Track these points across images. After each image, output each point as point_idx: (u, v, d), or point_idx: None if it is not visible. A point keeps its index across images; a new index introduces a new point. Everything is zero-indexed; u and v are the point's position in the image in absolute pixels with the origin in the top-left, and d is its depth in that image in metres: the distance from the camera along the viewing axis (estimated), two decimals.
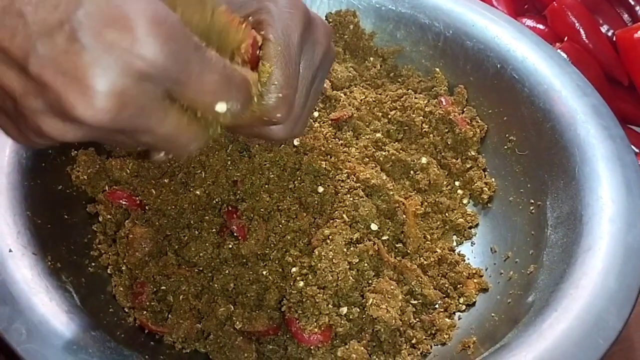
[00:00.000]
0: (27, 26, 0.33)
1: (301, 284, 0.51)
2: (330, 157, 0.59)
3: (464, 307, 0.56)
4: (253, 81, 0.42)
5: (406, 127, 0.66)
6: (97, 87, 0.33)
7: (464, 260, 0.60)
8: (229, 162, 0.58)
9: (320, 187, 0.56)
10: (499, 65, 0.66)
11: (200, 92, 0.37)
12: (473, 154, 0.65)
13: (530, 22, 0.86)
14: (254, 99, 0.43)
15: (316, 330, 0.50)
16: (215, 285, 0.53)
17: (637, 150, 0.75)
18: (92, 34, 0.33)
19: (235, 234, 0.55)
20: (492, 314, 0.54)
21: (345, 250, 0.53)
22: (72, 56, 0.33)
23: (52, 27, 0.33)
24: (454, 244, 0.62)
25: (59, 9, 0.33)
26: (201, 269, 0.54)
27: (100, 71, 0.33)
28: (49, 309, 0.45)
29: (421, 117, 0.65)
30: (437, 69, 0.70)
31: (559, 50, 0.76)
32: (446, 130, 0.65)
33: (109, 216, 0.57)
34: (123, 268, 0.55)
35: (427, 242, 0.59)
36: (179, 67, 0.35)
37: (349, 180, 0.58)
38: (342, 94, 0.67)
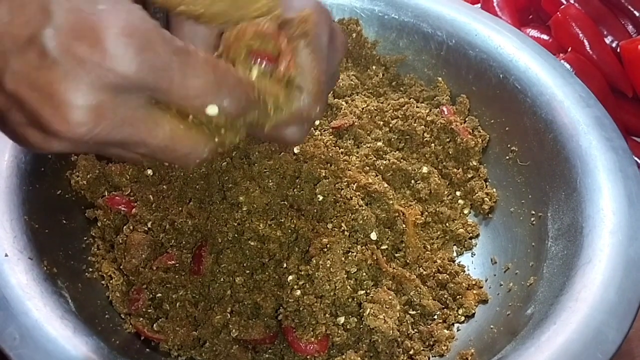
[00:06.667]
0: (1, 43, 0.33)
1: (298, 292, 0.51)
2: (331, 166, 0.59)
3: (462, 318, 0.56)
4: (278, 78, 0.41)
5: (407, 136, 0.66)
6: (71, 101, 0.33)
7: (464, 271, 0.59)
8: (228, 170, 0.58)
9: (319, 195, 0.56)
10: (501, 75, 0.66)
11: (185, 97, 0.36)
12: (474, 164, 0.65)
13: (534, 33, 0.86)
14: (280, 99, 0.42)
15: (313, 339, 0.50)
16: (212, 292, 0.53)
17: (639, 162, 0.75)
18: (62, 49, 0.33)
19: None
20: (491, 326, 0.54)
21: (343, 259, 0.52)
22: (44, 71, 0.33)
23: (24, 43, 0.33)
24: (454, 254, 0.61)
25: (29, 25, 0.32)
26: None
27: (72, 86, 0.33)
28: (42, 314, 0.45)
29: (423, 127, 0.65)
30: (440, 78, 0.70)
31: (562, 61, 0.76)
32: (448, 139, 0.65)
33: (107, 222, 0.57)
34: (120, 274, 0.55)
35: (427, 252, 0.59)
36: (156, 75, 0.34)
37: (348, 189, 0.57)
38: (343, 102, 0.67)
